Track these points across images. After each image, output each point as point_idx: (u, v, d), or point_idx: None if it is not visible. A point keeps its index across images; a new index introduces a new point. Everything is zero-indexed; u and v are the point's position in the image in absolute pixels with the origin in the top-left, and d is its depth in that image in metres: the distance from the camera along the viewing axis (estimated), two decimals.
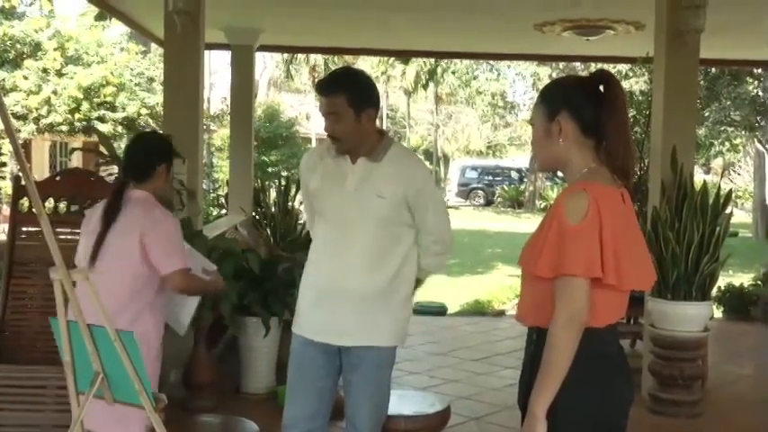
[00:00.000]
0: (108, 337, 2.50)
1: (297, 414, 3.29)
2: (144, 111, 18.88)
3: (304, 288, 3.33)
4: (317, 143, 26.69)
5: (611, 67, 11.74)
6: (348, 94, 3.12)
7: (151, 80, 19.54)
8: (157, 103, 17.86)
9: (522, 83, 33.51)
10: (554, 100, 2.39)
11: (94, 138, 15.73)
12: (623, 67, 14.42)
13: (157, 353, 3.46)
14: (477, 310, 10.46)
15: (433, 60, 29.33)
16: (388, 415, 3.83)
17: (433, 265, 3.39)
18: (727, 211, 5.88)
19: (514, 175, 36.19)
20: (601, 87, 2.36)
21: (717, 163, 29.02)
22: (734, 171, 27.53)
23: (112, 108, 18.83)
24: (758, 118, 16.15)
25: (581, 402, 2.22)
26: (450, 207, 33.31)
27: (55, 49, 18.87)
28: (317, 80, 3.69)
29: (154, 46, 15.48)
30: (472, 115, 38.73)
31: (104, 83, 18.71)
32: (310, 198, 3.34)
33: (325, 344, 3.23)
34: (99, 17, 19.50)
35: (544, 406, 2.17)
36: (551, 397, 2.17)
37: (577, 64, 19.19)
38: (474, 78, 33.91)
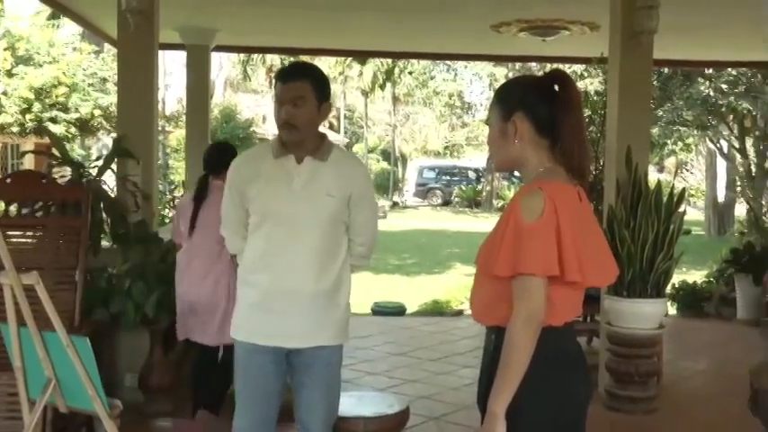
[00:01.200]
0: (60, 343, 2.45)
1: (249, 424, 3.25)
2: (98, 112, 18.60)
3: (245, 292, 3.26)
4: None
5: (566, 68, 11.83)
6: (314, 83, 3.17)
7: (104, 80, 19.27)
8: (111, 104, 17.62)
9: (479, 83, 33.78)
10: (509, 100, 2.39)
11: (47, 139, 15.48)
12: (578, 68, 14.58)
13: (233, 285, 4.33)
14: (436, 310, 10.46)
15: (390, 61, 29.37)
16: (347, 417, 3.82)
17: (352, 267, 3.37)
18: (681, 209, 5.96)
19: (472, 174, 36.36)
20: (555, 87, 2.36)
21: (670, 162, 29.48)
22: (686, 170, 27.95)
23: (65, 109, 18.52)
24: (710, 117, 16.39)
25: (540, 400, 2.23)
26: (409, 207, 33.44)
27: (5, 49, 18.51)
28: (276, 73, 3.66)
29: (107, 45, 15.26)
30: (429, 116, 38.88)
31: (56, 83, 18.39)
32: (245, 204, 3.24)
33: (274, 347, 3.19)
34: (52, 17, 19.24)
35: (503, 405, 2.17)
36: (510, 396, 2.17)
37: (533, 64, 19.35)
38: (431, 79, 34.06)
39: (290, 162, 3.18)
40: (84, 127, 18.80)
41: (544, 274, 2.18)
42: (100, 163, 5.88)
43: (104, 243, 5.68)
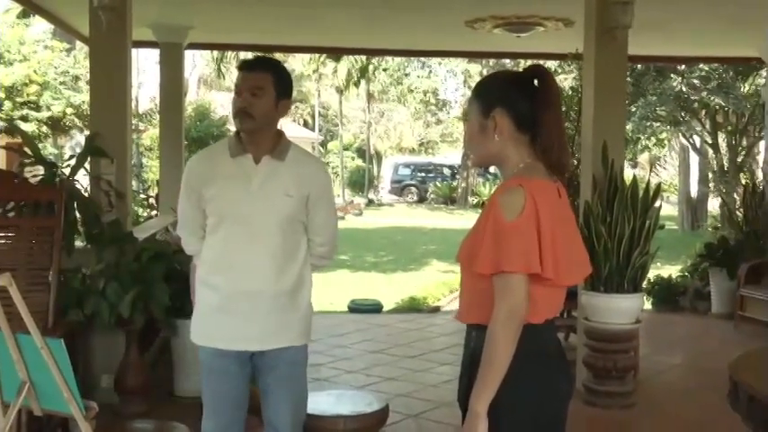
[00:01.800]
0: (34, 345, 2.41)
1: (216, 428, 3.22)
2: (70, 110, 18.44)
3: (204, 294, 3.21)
4: None
5: (541, 64, 11.88)
6: (275, 77, 3.15)
7: (77, 78, 19.10)
8: (84, 102, 17.47)
9: (454, 80, 33.89)
10: (489, 96, 2.37)
11: (18, 138, 15.30)
12: (553, 64, 14.64)
13: None
14: (413, 307, 10.47)
15: (364, 58, 29.32)
16: (326, 416, 3.80)
17: (314, 267, 3.34)
18: (656, 204, 5.99)
19: (447, 171, 36.49)
20: (535, 82, 2.35)
21: (644, 157, 29.69)
22: (660, 165, 28.18)
23: (36, 107, 18.35)
24: (682, 113, 16.52)
25: (521, 398, 2.21)
26: (384, 204, 33.47)
27: None
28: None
29: (79, 43, 15.11)
30: (404, 113, 38.91)
31: (27, 81, 18.22)
32: (202, 205, 3.20)
33: (238, 351, 3.16)
34: (22, 15, 19.01)
35: (485, 403, 2.15)
36: (492, 394, 2.15)
37: (508, 61, 19.42)
38: (406, 76, 34.07)
39: (247, 161, 3.14)
40: (57, 125, 18.65)
41: (525, 271, 2.17)
42: (73, 162, 5.81)
43: (78, 243, 5.61)
